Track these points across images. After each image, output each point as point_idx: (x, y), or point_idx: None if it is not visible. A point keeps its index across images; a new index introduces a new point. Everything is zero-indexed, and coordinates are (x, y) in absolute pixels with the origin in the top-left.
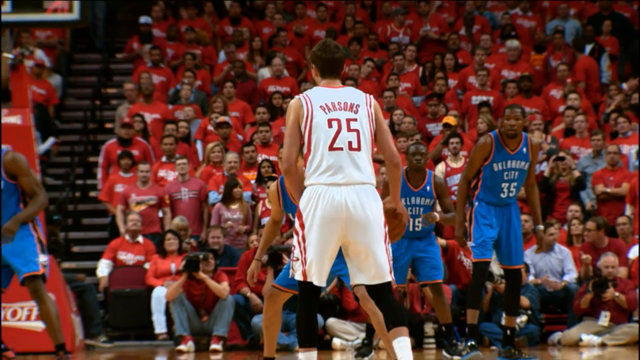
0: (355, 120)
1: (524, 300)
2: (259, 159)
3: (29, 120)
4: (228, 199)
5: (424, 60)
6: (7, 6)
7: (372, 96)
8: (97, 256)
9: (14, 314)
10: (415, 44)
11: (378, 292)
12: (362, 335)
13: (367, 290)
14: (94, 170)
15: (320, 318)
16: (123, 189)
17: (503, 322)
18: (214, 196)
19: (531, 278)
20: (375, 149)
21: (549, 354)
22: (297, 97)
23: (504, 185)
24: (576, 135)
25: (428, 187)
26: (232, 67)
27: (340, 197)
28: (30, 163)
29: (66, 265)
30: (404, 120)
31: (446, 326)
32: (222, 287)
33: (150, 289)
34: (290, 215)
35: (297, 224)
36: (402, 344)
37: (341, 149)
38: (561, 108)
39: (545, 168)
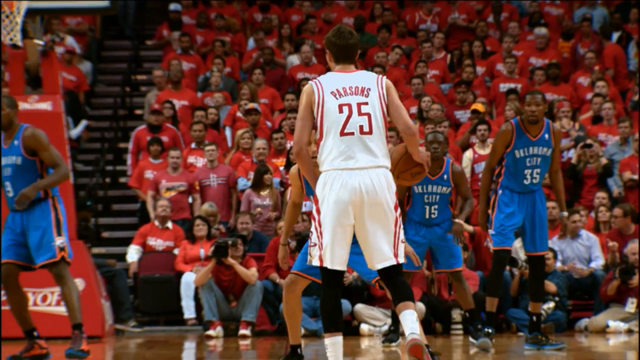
0: (367, 104)
1: (551, 286)
2: (288, 145)
3: (59, 106)
4: (258, 185)
5: (452, 48)
6: None
7: (384, 76)
8: (126, 242)
9: (44, 299)
10: (443, 32)
11: (387, 274)
12: (390, 321)
13: (378, 273)
14: (123, 157)
15: (348, 304)
16: (153, 175)
17: (529, 308)
18: (242, 182)
19: (558, 265)
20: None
21: (576, 340)
22: (309, 82)
23: (527, 172)
24: (604, 123)
25: (445, 176)
26: (261, 54)
27: (354, 181)
28: (61, 149)
29: (96, 250)
30: (432, 107)
31: (469, 312)
32: (251, 272)
33: (180, 274)
34: (311, 198)
35: (313, 210)
36: (407, 316)
37: (352, 133)
38: (589, 95)
39: (572, 155)
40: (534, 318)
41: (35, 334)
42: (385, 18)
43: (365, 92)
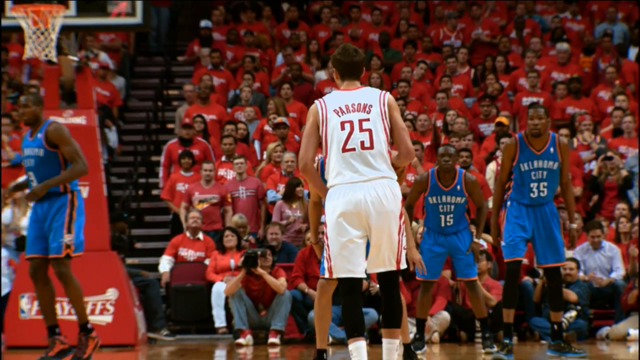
0: (368, 120)
1: (571, 295)
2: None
3: (93, 120)
4: (290, 197)
5: (476, 63)
6: (72, 10)
7: (387, 93)
8: (159, 252)
9: None
10: (467, 47)
11: (386, 281)
12: (415, 329)
13: (378, 279)
14: (156, 169)
15: (375, 313)
16: (187, 187)
17: (550, 317)
18: (272, 194)
19: (580, 275)
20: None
21: (597, 348)
22: (315, 102)
23: (533, 185)
24: (624, 136)
25: (459, 186)
26: (290, 69)
27: (359, 194)
28: (94, 162)
29: (129, 261)
30: (456, 121)
31: (481, 321)
32: (280, 282)
33: (211, 284)
34: None
35: (323, 225)
36: (390, 346)
37: (354, 149)
38: (609, 109)
39: (594, 167)
40: (555, 327)
41: (57, 330)
42: (411, 34)
43: (367, 109)
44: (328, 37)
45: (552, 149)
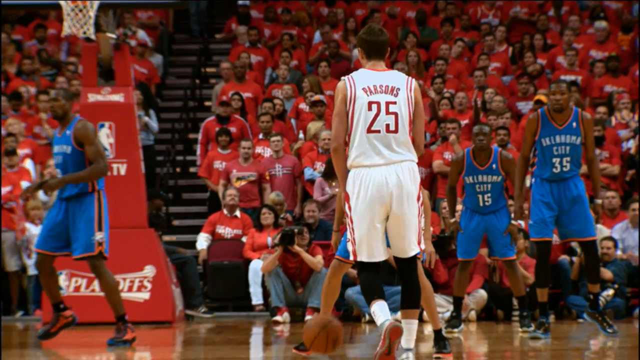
0: (395, 103)
1: (607, 273)
2: None
3: (131, 98)
4: (330, 175)
5: (514, 41)
6: None
7: (413, 79)
8: (196, 230)
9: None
10: (505, 25)
11: (404, 265)
12: (452, 307)
13: (395, 262)
14: (193, 147)
15: None
16: (224, 165)
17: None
18: (309, 172)
19: (618, 253)
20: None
21: (634, 327)
22: (342, 78)
23: (555, 160)
24: None
25: (494, 165)
26: (327, 47)
27: (381, 177)
28: (132, 139)
29: (167, 238)
30: (494, 99)
31: (519, 299)
32: (317, 260)
33: (248, 261)
34: None
35: (346, 207)
36: (410, 326)
37: (379, 131)
38: None
39: (631, 145)
40: (591, 296)
41: (61, 306)
42: (449, 12)
43: (395, 92)
44: (365, 15)
45: (574, 124)
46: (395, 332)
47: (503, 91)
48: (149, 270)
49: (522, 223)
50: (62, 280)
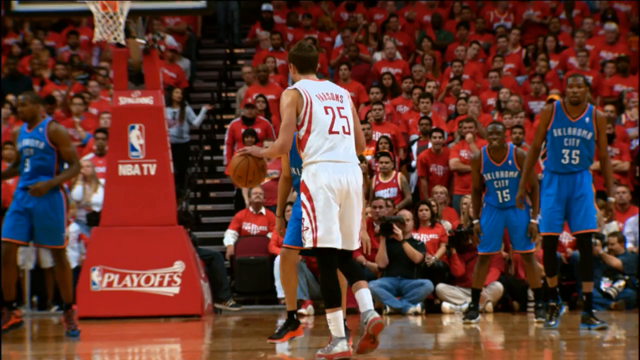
0: (343, 108)
1: (614, 260)
2: (374, 136)
3: (160, 101)
4: None
5: (527, 43)
6: None
7: (345, 89)
8: (223, 227)
9: (147, 280)
10: (519, 27)
11: (346, 255)
12: (469, 299)
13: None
14: (220, 147)
15: (430, 284)
16: None
17: (602, 286)
18: None
19: (629, 246)
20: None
21: None
22: (292, 88)
23: (565, 151)
24: None
25: (510, 161)
26: (347, 50)
27: (340, 172)
28: (161, 140)
29: (195, 235)
30: (510, 99)
31: (535, 291)
32: None
33: (273, 257)
34: (294, 169)
35: (303, 197)
36: (364, 294)
37: (338, 132)
38: None
39: None
40: (584, 298)
41: (14, 305)
42: (464, 15)
43: (340, 99)
44: (384, 19)
45: (587, 119)
46: (377, 327)
47: (517, 91)
48: (179, 266)
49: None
50: (95, 276)
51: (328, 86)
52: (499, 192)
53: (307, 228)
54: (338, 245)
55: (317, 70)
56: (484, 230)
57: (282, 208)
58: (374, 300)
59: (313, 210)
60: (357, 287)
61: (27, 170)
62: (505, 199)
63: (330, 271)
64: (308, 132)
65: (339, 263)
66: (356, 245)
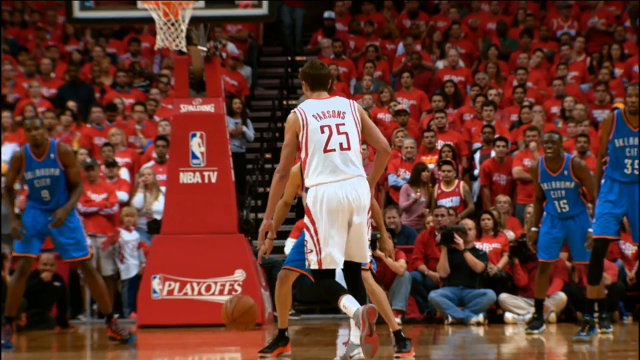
0: (343, 124)
1: None
2: (437, 144)
3: (221, 108)
4: (416, 182)
5: (592, 50)
6: (200, 2)
7: (355, 102)
8: (284, 235)
9: (207, 289)
10: (583, 35)
11: (353, 270)
12: (532, 309)
13: (344, 264)
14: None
15: (492, 293)
16: None
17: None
18: (392, 179)
19: None
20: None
21: None
22: (292, 111)
23: (627, 161)
24: None
25: (566, 172)
26: (410, 58)
27: (341, 191)
28: (222, 148)
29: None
30: (575, 107)
31: (598, 302)
32: (399, 264)
33: None
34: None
35: (306, 220)
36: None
37: (334, 150)
38: None
39: None
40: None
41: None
42: (528, 23)
43: (341, 115)
44: (447, 27)
45: None
46: (371, 312)
47: (581, 99)
48: (239, 274)
49: None
50: (156, 284)
51: (332, 103)
52: (556, 202)
53: (311, 251)
54: (339, 266)
55: (328, 87)
56: (543, 239)
57: (275, 230)
58: (435, 310)
59: (316, 233)
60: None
61: (47, 199)
62: (564, 210)
63: (326, 280)
64: (307, 153)
65: (346, 276)
66: (366, 259)
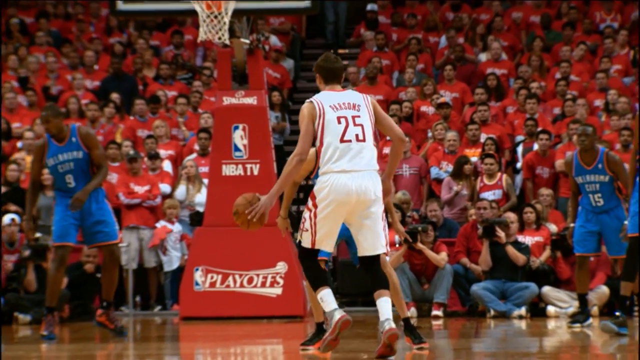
0: (359, 116)
1: None
2: (481, 137)
3: (263, 101)
4: (458, 174)
5: (635, 44)
6: None
7: (368, 96)
8: None
9: (250, 281)
10: (626, 28)
11: (369, 262)
12: (575, 302)
13: (360, 259)
14: None
15: (535, 287)
16: None
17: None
18: (435, 171)
19: None
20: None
21: None
22: (308, 101)
23: None
24: None
25: (600, 165)
26: (452, 51)
27: (350, 182)
28: (265, 141)
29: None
30: (619, 100)
31: (639, 295)
32: (441, 257)
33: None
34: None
35: (309, 203)
36: (383, 303)
37: (350, 141)
38: None
39: None
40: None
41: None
42: (571, 16)
43: (357, 107)
44: (490, 19)
45: None
46: (344, 324)
47: (624, 92)
48: (281, 267)
49: None
50: (198, 276)
51: (347, 96)
52: (590, 196)
53: (307, 230)
54: (329, 249)
55: (342, 80)
56: (578, 232)
57: (286, 211)
58: (478, 303)
59: (315, 216)
60: (379, 295)
61: (72, 185)
62: (598, 203)
63: (310, 262)
64: (322, 142)
65: (364, 269)
66: (381, 250)
